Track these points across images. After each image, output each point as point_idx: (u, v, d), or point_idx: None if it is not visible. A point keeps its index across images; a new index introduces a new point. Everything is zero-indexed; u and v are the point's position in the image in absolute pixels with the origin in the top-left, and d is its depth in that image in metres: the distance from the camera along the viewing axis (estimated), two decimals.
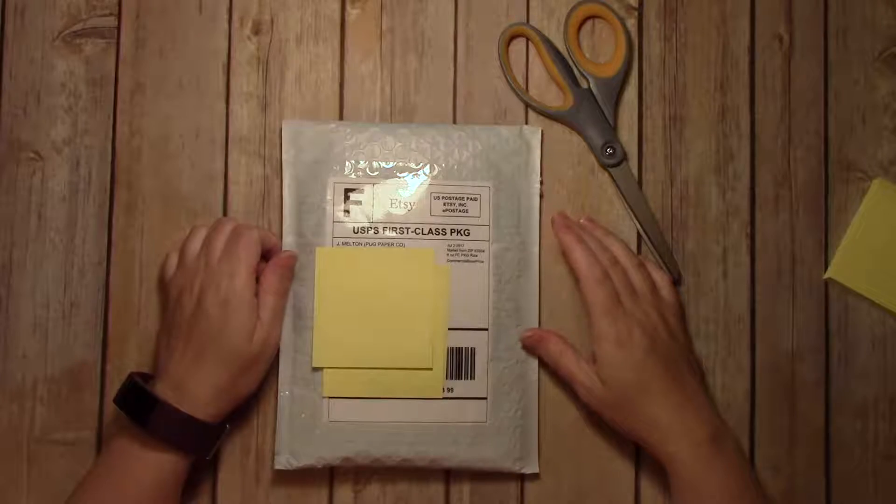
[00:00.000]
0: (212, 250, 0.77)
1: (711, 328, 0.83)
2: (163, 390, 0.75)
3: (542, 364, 0.81)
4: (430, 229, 0.81)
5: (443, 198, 0.81)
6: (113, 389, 0.79)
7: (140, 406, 0.75)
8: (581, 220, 0.82)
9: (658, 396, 0.75)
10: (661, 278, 0.81)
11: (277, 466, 0.79)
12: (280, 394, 0.80)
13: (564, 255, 0.80)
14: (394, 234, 0.80)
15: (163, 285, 0.80)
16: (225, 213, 0.82)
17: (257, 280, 0.77)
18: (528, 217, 0.82)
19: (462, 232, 0.81)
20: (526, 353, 0.80)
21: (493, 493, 0.81)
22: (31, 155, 0.82)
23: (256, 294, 0.77)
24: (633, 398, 0.76)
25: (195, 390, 0.75)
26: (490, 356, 0.80)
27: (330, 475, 0.81)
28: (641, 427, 0.76)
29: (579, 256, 0.79)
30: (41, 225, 0.82)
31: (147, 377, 0.77)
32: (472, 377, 0.80)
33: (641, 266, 0.80)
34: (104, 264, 0.82)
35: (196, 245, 0.79)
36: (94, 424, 0.81)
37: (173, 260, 0.79)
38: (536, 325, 0.81)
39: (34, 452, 0.80)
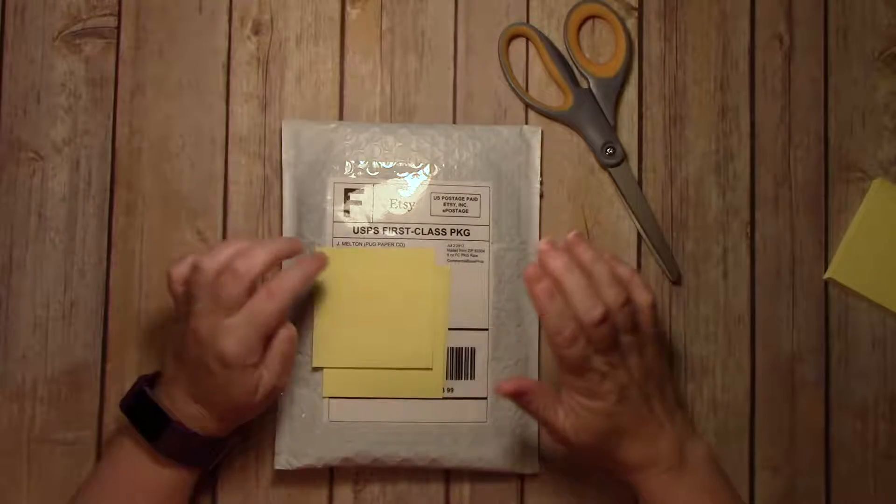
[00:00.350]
0: (222, 298, 0.71)
1: (711, 328, 0.83)
2: (171, 403, 0.74)
3: (542, 364, 0.81)
4: (430, 229, 0.81)
5: (443, 198, 0.81)
6: (113, 389, 0.80)
7: (150, 420, 0.74)
8: (569, 236, 0.74)
9: (626, 439, 0.73)
10: (643, 300, 0.73)
11: (277, 466, 0.79)
12: (280, 394, 0.80)
13: (535, 308, 0.72)
14: (394, 235, 0.80)
15: (173, 287, 0.74)
16: (225, 214, 0.82)
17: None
18: (528, 217, 0.82)
19: (462, 232, 0.81)
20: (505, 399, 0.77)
21: (494, 493, 0.81)
22: (31, 155, 0.82)
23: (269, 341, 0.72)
24: (602, 445, 0.74)
25: (198, 414, 0.74)
26: (490, 356, 0.80)
27: (330, 475, 0.81)
28: (607, 463, 0.75)
29: (548, 317, 0.71)
30: (41, 225, 0.82)
31: (153, 379, 0.77)
32: (473, 377, 0.80)
33: (626, 304, 0.72)
34: (104, 264, 0.82)
35: (216, 262, 0.72)
36: (94, 424, 0.81)
37: (186, 265, 0.73)
38: (537, 326, 0.81)
39: (34, 452, 0.80)
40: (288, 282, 0.73)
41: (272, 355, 0.73)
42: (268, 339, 0.72)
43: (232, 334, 0.71)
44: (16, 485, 0.80)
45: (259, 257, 0.72)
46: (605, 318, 0.70)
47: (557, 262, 0.72)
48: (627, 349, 0.73)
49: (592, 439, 0.73)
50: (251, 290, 0.72)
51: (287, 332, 0.73)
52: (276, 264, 0.74)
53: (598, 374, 0.72)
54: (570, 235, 0.74)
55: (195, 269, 0.72)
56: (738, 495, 0.77)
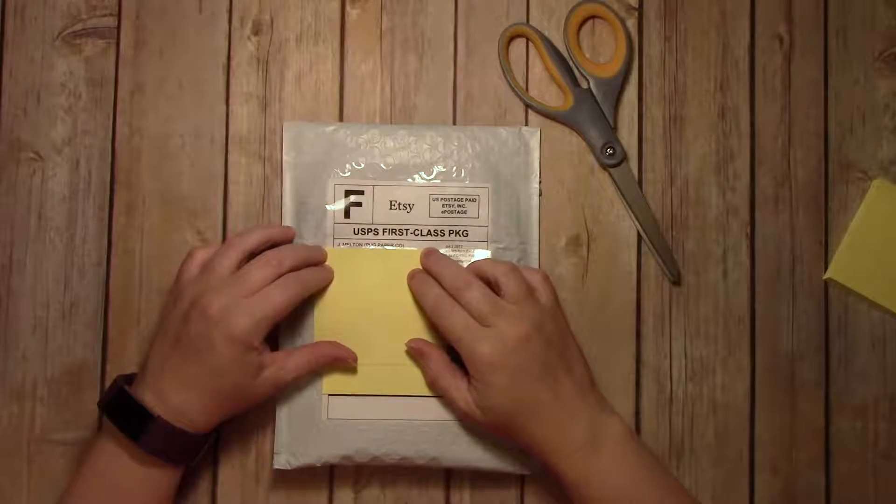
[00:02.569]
0: (248, 279, 0.74)
1: (711, 328, 0.83)
2: (152, 400, 0.74)
3: None
4: (430, 230, 0.81)
5: (442, 199, 0.81)
6: None
7: (132, 419, 0.73)
8: (422, 252, 0.79)
9: (531, 416, 0.74)
10: (535, 279, 0.77)
11: (277, 466, 0.79)
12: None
13: (418, 299, 0.78)
14: (393, 236, 0.81)
15: (177, 283, 0.77)
16: (225, 214, 0.82)
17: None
18: (527, 218, 0.82)
19: (461, 233, 0.81)
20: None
21: (493, 494, 0.81)
22: (31, 155, 0.82)
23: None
24: (509, 422, 0.74)
25: (184, 407, 0.74)
26: None
27: (330, 475, 0.81)
28: (521, 442, 0.76)
29: (424, 298, 0.77)
30: (41, 225, 0.82)
31: (131, 379, 0.76)
32: None
33: (514, 271, 0.76)
34: (104, 264, 0.82)
35: (229, 261, 0.75)
36: (94, 424, 0.81)
37: (197, 259, 0.77)
38: None
39: (34, 452, 0.80)
40: (303, 279, 0.76)
41: (304, 353, 0.76)
42: (273, 326, 0.75)
43: (245, 312, 0.73)
44: (16, 485, 0.80)
45: (253, 234, 0.77)
46: (471, 283, 0.75)
47: (430, 258, 0.79)
48: (519, 315, 0.74)
49: (499, 419, 0.74)
50: (242, 261, 0.76)
51: (333, 350, 0.78)
52: (267, 244, 0.78)
53: (490, 345, 0.73)
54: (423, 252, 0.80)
55: (210, 264, 0.76)
56: (661, 470, 0.77)
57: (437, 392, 0.78)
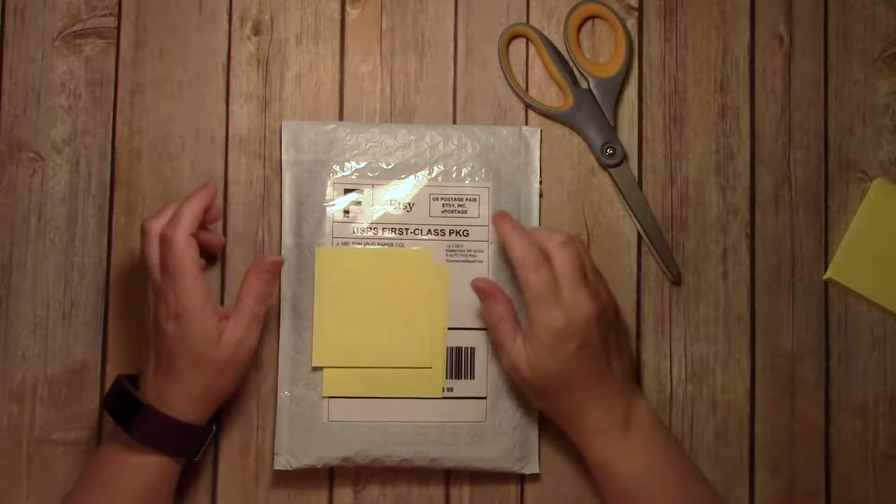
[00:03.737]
0: (150, 265, 0.75)
1: (711, 328, 0.83)
2: (147, 393, 0.75)
3: None
4: (430, 230, 0.81)
5: (442, 199, 0.81)
6: None
7: (125, 410, 0.74)
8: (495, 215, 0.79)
9: (575, 391, 0.75)
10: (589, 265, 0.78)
11: (277, 467, 0.79)
12: (280, 394, 0.80)
13: (502, 243, 0.77)
14: (393, 235, 0.80)
15: (145, 268, 0.78)
16: (225, 214, 0.82)
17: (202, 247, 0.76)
18: (527, 217, 0.82)
19: (461, 232, 0.81)
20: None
21: (493, 494, 0.81)
22: (31, 155, 0.82)
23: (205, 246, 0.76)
24: (554, 389, 0.76)
25: (172, 397, 0.74)
26: (490, 356, 0.80)
27: (330, 475, 0.81)
28: (554, 413, 0.78)
29: (515, 243, 0.76)
30: (41, 225, 0.82)
31: (135, 379, 0.77)
32: (472, 377, 0.80)
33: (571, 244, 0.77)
34: (104, 264, 0.82)
35: (148, 254, 0.75)
36: (94, 424, 0.81)
37: (154, 234, 0.76)
38: None
39: (34, 452, 0.80)
40: (178, 218, 0.74)
41: (238, 308, 0.75)
42: (197, 263, 0.74)
43: (168, 286, 0.73)
44: (16, 485, 0.80)
45: (154, 226, 0.75)
46: (569, 240, 0.75)
47: (503, 225, 0.77)
48: (599, 288, 0.76)
49: (546, 382, 0.75)
50: (166, 248, 0.74)
51: (257, 273, 0.75)
52: (201, 215, 0.76)
53: (563, 314, 0.74)
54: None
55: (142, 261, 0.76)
56: (685, 455, 0.79)
57: (492, 336, 0.78)
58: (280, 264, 0.77)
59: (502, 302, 0.77)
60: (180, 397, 0.74)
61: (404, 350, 0.79)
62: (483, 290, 0.78)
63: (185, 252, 0.73)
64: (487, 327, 0.79)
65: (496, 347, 0.78)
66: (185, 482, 0.78)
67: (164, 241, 0.74)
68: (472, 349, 0.80)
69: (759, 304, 0.83)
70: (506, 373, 0.79)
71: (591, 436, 0.76)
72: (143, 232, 0.75)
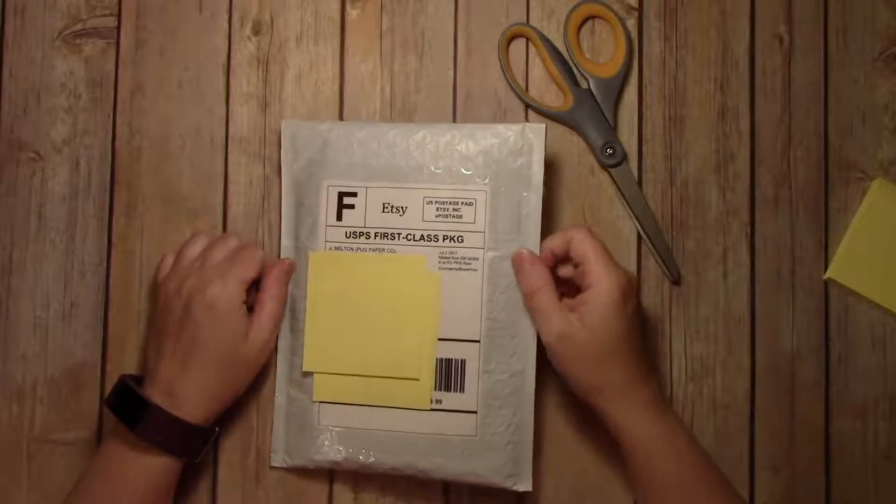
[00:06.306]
0: (209, 258, 0.77)
1: (711, 328, 0.83)
2: (153, 394, 0.75)
3: (540, 375, 0.78)
4: (423, 235, 0.78)
5: (436, 202, 0.78)
6: None
7: (130, 409, 0.74)
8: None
9: (632, 358, 0.75)
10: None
11: (273, 464, 0.80)
12: (277, 395, 0.80)
13: (542, 247, 0.78)
14: (385, 240, 0.79)
15: (155, 286, 0.80)
16: (225, 214, 0.82)
17: (248, 290, 0.77)
18: (527, 220, 0.78)
19: (455, 239, 0.78)
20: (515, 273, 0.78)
21: (493, 494, 0.81)
22: (31, 155, 0.82)
23: (249, 306, 0.77)
24: (610, 356, 0.74)
25: (183, 393, 0.74)
26: (481, 369, 0.78)
27: (330, 476, 0.81)
28: (602, 386, 0.75)
29: (551, 237, 0.78)
30: (41, 225, 0.82)
31: (138, 380, 0.77)
32: (462, 390, 0.78)
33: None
34: (104, 264, 0.82)
35: (194, 250, 0.79)
36: (94, 424, 0.81)
37: (168, 261, 0.80)
38: (534, 339, 0.78)
39: (34, 452, 0.81)
40: (261, 254, 0.79)
41: (261, 310, 0.78)
42: (249, 283, 0.77)
43: (216, 279, 0.75)
44: (16, 485, 0.80)
45: (236, 239, 0.80)
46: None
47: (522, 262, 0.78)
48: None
49: (602, 341, 0.74)
50: (236, 252, 0.79)
51: (276, 276, 0.78)
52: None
53: (627, 274, 0.75)
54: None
55: (179, 255, 0.79)
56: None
57: (534, 305, 0.76)
58: (293, 267, 0.79)
59: (543, 269, 0.76)
60: (192, 392, 0.74)
61: (391, 359, 0.78)
62: (522, 258, 0.77)
63: (253, 264, 0.77)
64: (527, 297, 0.76)
65: (538, 317, 0.75)
66: (185, 482, 0.78)
67: (240, 248, 0.78)
68: (463, 361, 0.78)
69: (759, 305, 0.83)
70: (549, 345, 0.75)
71: (644, 409, 0.75)
72: (220, 239, 0.79)
